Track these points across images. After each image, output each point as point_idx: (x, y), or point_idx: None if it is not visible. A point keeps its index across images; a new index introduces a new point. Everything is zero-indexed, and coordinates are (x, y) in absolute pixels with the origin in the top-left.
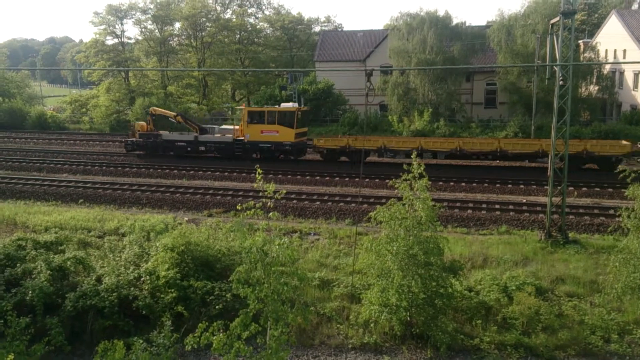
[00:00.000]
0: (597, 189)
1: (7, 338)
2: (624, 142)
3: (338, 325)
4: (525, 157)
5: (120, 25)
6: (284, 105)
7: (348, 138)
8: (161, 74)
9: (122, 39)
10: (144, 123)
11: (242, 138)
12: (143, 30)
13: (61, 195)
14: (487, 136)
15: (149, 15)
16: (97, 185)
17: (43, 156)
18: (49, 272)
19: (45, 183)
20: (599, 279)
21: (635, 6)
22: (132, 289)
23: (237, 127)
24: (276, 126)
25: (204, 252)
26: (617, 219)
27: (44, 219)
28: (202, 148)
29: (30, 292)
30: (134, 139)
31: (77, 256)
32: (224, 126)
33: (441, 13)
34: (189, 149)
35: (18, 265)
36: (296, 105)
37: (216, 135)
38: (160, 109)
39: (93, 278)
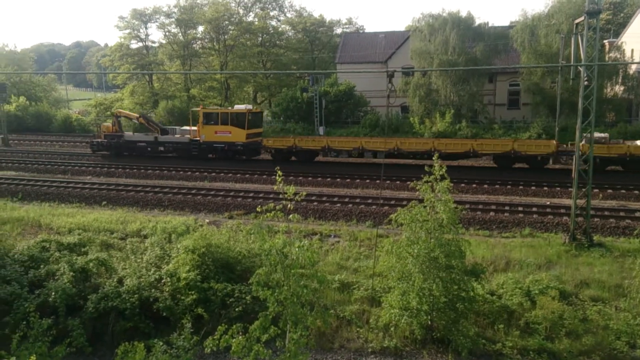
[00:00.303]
0: (623, 191)
1: (30, 339)
2: (552, 141)
3: (358, 329)
4: (458, 156)
5: (144, 29)
6: (237, 107)
7: (294, 138)
8: (184, 77)
9: (147, 43)
10: (109, 124)
11: (198, 139)
12: (167, 34)
13: (85, 197)
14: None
15: (173, 19)
16: (120, 187)
17: (68, 158)
18: (71, 273)
19: (70, 185)
20: (624, 283)
21: None
22: (153, 290)
23: (194, 128)
24: (229, 127)
25: (224, 254)
26: None
27: (67, 220)
28: (161, 148)
29: (53, 293)
30: (99, 140)
31: (99, 258)
32: (185, 127)
33: (463, 14)
34: (149, 149)
35: (42, 266)
36: (249, 107)
37: (176, 136)
38: (124, 111)
39: (115, 280)
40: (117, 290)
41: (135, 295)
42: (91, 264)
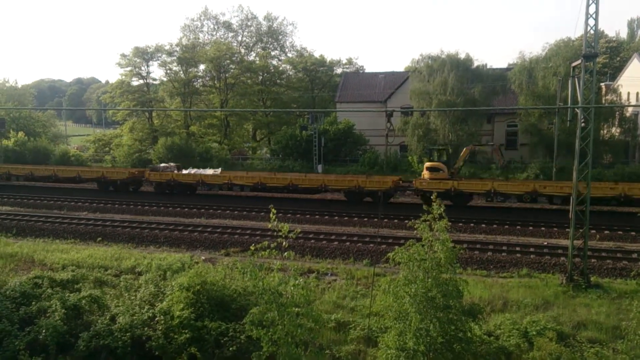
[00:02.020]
0: (620, 233)
1: None
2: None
3: None
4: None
5: (146, 66)
6: None
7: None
8: (184, 114)
9: (147, 80)
10: None
11: None
12: (168, 71)
13: (80, 233)
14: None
15: (175, 58)
16: (115, 224)
17: (64, 194)
18: (63, 310)
19: (65, 221)
20: (621, 324)
21: None
22: (145, 329)
23: None
24: None
25: (219, 292)
26: None
27: (61, 256)
28: None
29: (44, 331)
30: None
31: (92, 295)
32: None
33: (462, 55)
34: None
35: (33, 303)
36: None
37: None
38: None
39: (107, 317)
40: (109, 328)
41: (128, 334)
42: (84, 301)
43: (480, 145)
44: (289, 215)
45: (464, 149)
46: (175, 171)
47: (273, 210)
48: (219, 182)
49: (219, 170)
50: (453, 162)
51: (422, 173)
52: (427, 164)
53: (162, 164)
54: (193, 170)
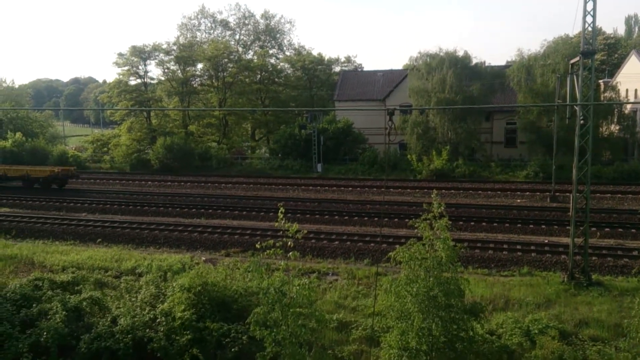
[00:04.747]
0: (620, 230)
1: None
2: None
3: None
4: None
5: (143, 66)
6: None
7: None
8: (182, 114)
9: (145, 79)
10: None
11: None
12: (166, 70)
13: (79, 234)
14: None
15: (172, 57)
16: (115, 225)
17: (62, 195)
18: (64, 312)
19: (64, 222)
20: (623, 322)
21: None
22: (147, 330)
23: None
24: None
25: (220, 293)
26: None
27: (61, 258)
28: None
29: (45, 333)
30: None
31: (93, 296)
32: None
33: (460, 53)
34: None
35: (34, 305)
36: None
37: None
38: None
39: (108, 319)
40: (110, 330)
41: (129, 335)
42: (84, 303)
43: None
44: None
45: None
46: None
47: (282, 209)
48: None
49: None
50: None
51: None
52: None
53: None
54: None
